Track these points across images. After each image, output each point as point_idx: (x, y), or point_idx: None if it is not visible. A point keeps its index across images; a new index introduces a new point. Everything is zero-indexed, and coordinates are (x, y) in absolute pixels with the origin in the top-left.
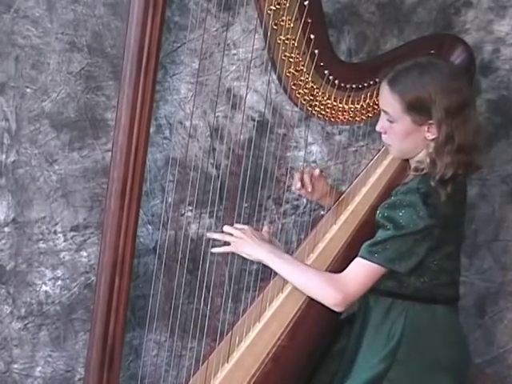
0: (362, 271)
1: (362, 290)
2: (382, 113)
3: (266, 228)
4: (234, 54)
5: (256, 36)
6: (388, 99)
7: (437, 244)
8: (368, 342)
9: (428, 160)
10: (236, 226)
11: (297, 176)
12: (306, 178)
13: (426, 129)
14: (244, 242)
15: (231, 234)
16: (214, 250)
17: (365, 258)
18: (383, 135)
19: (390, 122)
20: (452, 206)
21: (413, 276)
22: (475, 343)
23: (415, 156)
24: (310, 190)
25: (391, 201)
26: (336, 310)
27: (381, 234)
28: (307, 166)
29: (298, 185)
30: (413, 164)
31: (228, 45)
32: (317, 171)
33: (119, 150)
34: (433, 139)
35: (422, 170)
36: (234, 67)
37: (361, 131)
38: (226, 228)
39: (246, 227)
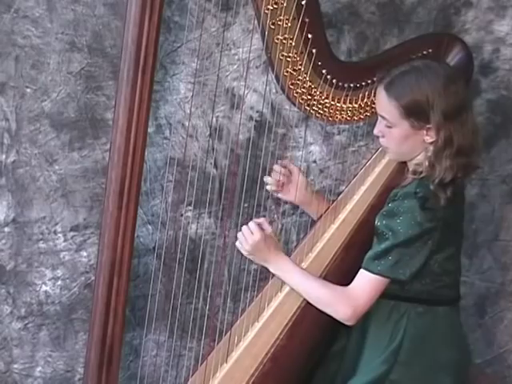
0: (367, 284)
1: (371, 301)
2: (380, 117)
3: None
4: (234, 54)
5: (256, 36)
6: (385, 105)
7: (438, 246)
8: (370, 344)
9: (427, 163)
10: (256, 221)
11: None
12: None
13: (424, 133)
14: (259, 250)
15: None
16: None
17: (369, 271)
18: (381, 139)
19: (388, 126)
20: (452, 207)
21: (414, 279)
22: (475, 343)
23: (413, 158)
24: (281, 180)
25: (389, 208)
26: (347, 324)
27: (381, 244)
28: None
29: (273, 187)
30: (411, 167)
31: (228, 45)
32: (285, 161)
33: (117, 150)
34: (431, 142)
35: (421, 172)
36: (233, 67)
37: (360, 131)
38: (245, 229)
39: (258, 235)
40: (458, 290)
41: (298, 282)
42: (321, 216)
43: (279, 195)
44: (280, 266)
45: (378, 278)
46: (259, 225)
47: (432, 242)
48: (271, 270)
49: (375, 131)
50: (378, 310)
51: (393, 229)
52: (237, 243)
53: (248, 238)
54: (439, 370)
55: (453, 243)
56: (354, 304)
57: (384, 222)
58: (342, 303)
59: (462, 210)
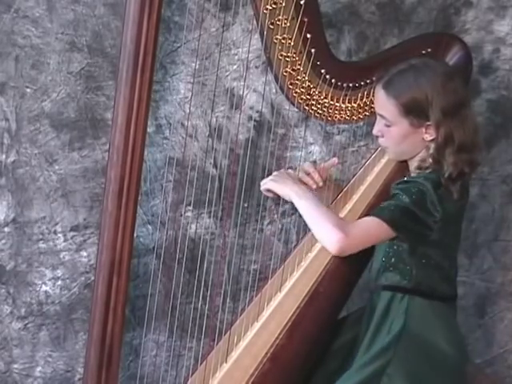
0: (366, 222)
1: (363, 239)
2: (378, 117)
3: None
4: (234, 54)
5: (255, 36)
6: (384, 103)
7: (438, 237)
8: (370, 336)
9: (430, 160)
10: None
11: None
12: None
13: (423, 130)
14: (278, 181)
15: None
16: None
17: (372, 214)
18: (380, 138)
19: (387, 125)
20: (458, 202)
21: (415, 269)
22: (475, 343)
23: (414, 157)
24: (320, 184)
25: (404, 180)
26: (333, 248)
27: (395, 199)
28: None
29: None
30: (414, 164)
31: (227, 45)
32: (334, 160)
33: (116, 149)
34: (431, 140)
35: (426, 168)
36: (233, 67)
37: (360, 131)
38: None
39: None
40: (455, 287)
41: (310, 202)
42: None
43: None
44: (300, 190)
45: (379, 221)
46: None
47: (434, 230)
48: (290, 192)
49: (374, 131)
50: (379, 303)
51: (408, 192)
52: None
53: None
54: (436, 364)
55: (451, 238)
56: (349, 232)
57: (400, 187)
58: (338, 227)
59: (464, 208)
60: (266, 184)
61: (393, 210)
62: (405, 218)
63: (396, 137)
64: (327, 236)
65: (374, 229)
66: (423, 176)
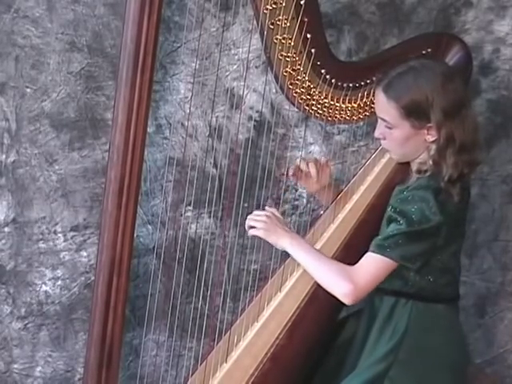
0: (373, 265)
1: (373, 283)
2: (380, 120)
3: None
4: (234, 54)
5: (255, 36)
6: (384, 106)
7: (444, 242)
8: (372, 341)
9: (431, 162)
10: (268, 209)
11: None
12: (312, 168)
13: (425, 132)
14: (270, 230)
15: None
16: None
17: (376, 253)
18: (382, 141)
19: (389, 128)
20: (460, 204)
21: (418, 275)
22: (475, 343)
23: (416, 158)
24: (315, 180)
25: (403, 196)
26: (346, 301)
27: (393, 229)
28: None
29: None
30: (415, 166)
31: (227, 45)
32: (323, 159)
33: (116, 149)
34: (433, 141)
35: (426, 171)
36: (233, 67)
37: (360, 131)
38: (256, 213)
39: (269, 214)
40: (458, 288)
41: (309, 256)
42: (320, 216)
43: (301, 184)
44: (293, 240)
45: (384, 260)
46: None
47: (439, 236)
48: (284, 243)
49: (376, 134)
50: (381, 308)
51: (407, 215)
52: (250, 222)
53: (262, 213)
54: (438, 368)
55: (457, 240)
56: (356, 281)
57: (398, 208)
58: (345, 278)
59: (467, 208)
60: (257, 233)
61: (398, 244)
62: (412, 245)
63: (398, 139)
64: (336, 290)
65: (381, 269)
66: (423, 186)
